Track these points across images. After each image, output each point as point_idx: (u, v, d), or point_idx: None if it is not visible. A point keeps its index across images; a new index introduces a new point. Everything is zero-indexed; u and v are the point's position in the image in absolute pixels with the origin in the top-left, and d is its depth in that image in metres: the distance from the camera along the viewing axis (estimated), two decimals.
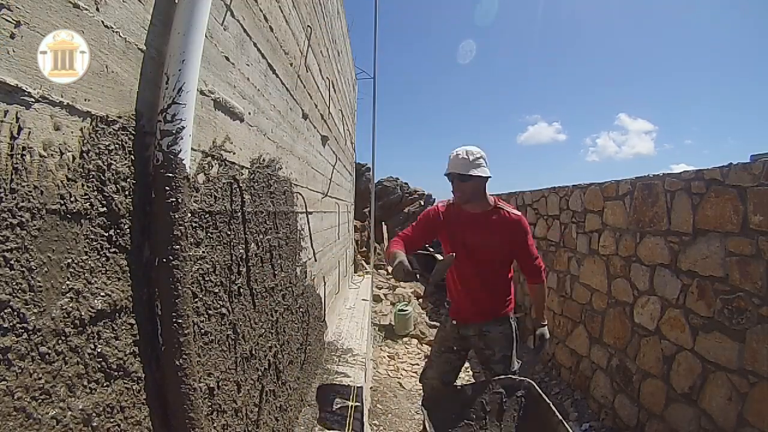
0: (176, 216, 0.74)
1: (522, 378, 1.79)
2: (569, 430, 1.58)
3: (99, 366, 0.60)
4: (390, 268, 2.46)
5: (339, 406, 2.09)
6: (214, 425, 0.96)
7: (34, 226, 0.50)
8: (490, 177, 1.86)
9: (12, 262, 0.47)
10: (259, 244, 1.34)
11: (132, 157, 0.68)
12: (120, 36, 0.65)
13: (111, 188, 0.63)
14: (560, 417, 1.62)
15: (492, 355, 1.99)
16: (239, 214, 1.16)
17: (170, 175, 0.73)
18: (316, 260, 2.46)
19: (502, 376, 1.80)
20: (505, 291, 2.04)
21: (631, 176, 3.06)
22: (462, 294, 2.01)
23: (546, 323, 2.11)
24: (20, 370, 0.47)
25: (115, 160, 0.64)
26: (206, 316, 0.94)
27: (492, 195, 1.96)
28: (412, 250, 1.94)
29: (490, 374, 1.98)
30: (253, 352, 1.26)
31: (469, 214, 1.92)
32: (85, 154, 0.58)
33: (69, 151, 0.55)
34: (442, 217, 1.98)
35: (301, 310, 1.97)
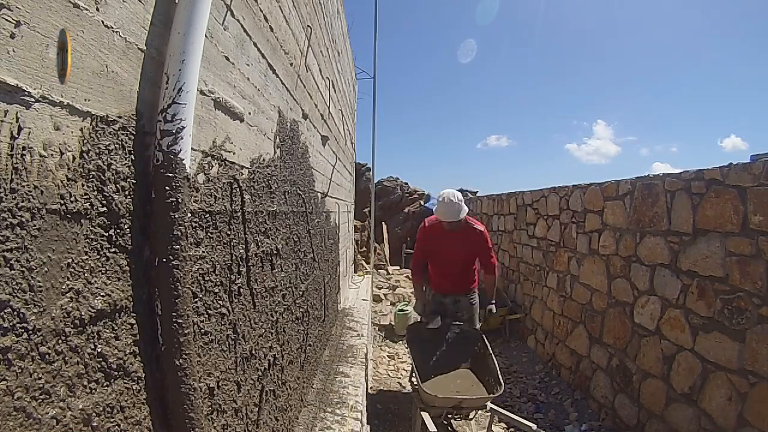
0: (176, 216, 0.74)
1: (475, 329, 3.01)
2: (496, 363, 2.64)
3: (99, 366, 0.60)
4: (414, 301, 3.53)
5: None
6: (214, 425, 0.96)
7: (34, 226, 0.50)
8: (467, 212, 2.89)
9: (12, 262, 0.47)
10: (259, 244, 1.34)
11: (132, 157, 0.68)
12: (120, 36, 0.65)
13: (111, 188, 0.63)
14: (495, 359, 2.68)
15: (462, 315, 3.09)
16: (239, 214, 1.16)
17: (170, 175, 0.73)
18: (316, 260, 2.46)
19: (461, 323, 3.02)
20: (471, 276, 3.15)
21: (631, 176, 3.05)
22: (442, 277, 3.12)
23: (494, 302, 3.07)
24: (20, 370, 0.47)
25: (115, 160, 0.64)
26: (206, 316, 0.94)
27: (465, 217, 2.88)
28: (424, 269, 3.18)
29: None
30: (253, 351, 1.26)
31: (451, 232, 2.89)
32: (85, 154, 0.58)
33: (69, 151, 0.55)
34: (431, 234, 3.03)
35: (301, 309, 1.97)
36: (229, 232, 1.08)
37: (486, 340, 2.84)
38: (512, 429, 3.04)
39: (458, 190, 2.86)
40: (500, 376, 2.52)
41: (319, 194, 2.67)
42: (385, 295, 6.49)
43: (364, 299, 4.75)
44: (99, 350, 0.60)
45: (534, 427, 2.56)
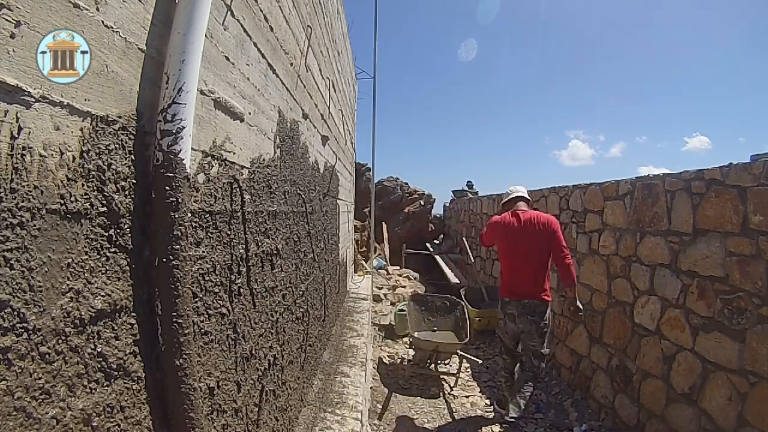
0: (176, 216, 0.74)
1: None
2: (467, 322, 3.80)
3: (99, 366, 0.60)
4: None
5: None
6: (214, 425, 0.96)
7: (34, 225, 0.50)
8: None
9: (12, 262, 0.47)
10: (259, 244, 1.34)
11: (132, 156, 0.68)
12: (120, 36, 0.65)
13: (111, 188, 0.63)
14: (468, 321, 3.84)
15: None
16: (239, 214, 1.16)
17: (170, 175, 0.73)
18: (316, 260, 2.46)
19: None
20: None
21: (631, 176, 3.06)
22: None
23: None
24: (20, 370, 0.47)
25: (115, 160, 0.64)
26: (206, 316, 0.94)
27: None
28: None
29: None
30: (253, 351, 1.26)
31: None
32: (85, 154, 0.58)
33: (69, 151, 0.55)
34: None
35: (301, 309, 1.97)
36: (229, 232, 1.08)
37: (466, 307, 4.05)
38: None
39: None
40: (468, 330, 3.72)
41: (319, 194, 2.67)
42: (385, 295, 6.49)
43: (364, 299, 4.75)
44: (99, 350, 0.60)
45: (459, 352, 3.71)
